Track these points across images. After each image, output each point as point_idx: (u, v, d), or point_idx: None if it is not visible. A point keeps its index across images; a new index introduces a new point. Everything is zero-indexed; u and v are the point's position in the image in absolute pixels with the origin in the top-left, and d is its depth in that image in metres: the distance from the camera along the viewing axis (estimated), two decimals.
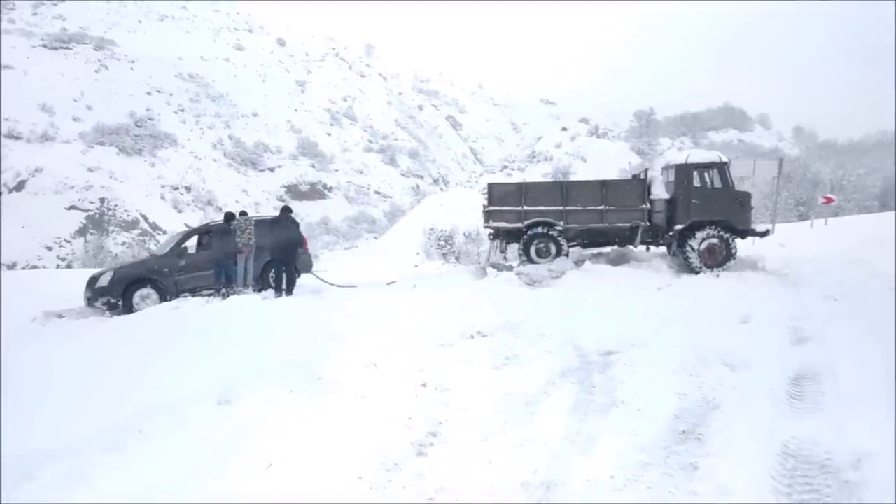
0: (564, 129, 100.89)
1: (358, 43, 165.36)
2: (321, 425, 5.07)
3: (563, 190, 13.64)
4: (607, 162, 73.67)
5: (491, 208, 13.61)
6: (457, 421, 5.26)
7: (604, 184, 13.65)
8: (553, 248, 13.21)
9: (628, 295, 10.20)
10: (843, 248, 14.30)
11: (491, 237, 14.51)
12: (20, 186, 65.66)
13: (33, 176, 66.86)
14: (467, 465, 4.43)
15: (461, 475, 4.29)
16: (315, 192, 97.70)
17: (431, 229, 29.10)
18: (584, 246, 14.16)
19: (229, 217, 12.82)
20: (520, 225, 13.35)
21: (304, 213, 76.03)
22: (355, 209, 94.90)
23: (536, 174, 74.56)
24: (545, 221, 13.25)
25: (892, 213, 24.43)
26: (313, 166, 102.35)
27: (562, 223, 13.22)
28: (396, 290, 11.98)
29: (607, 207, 13.18)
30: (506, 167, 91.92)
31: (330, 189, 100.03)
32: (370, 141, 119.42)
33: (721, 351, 6.74)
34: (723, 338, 7.33)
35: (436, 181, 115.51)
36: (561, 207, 13.26)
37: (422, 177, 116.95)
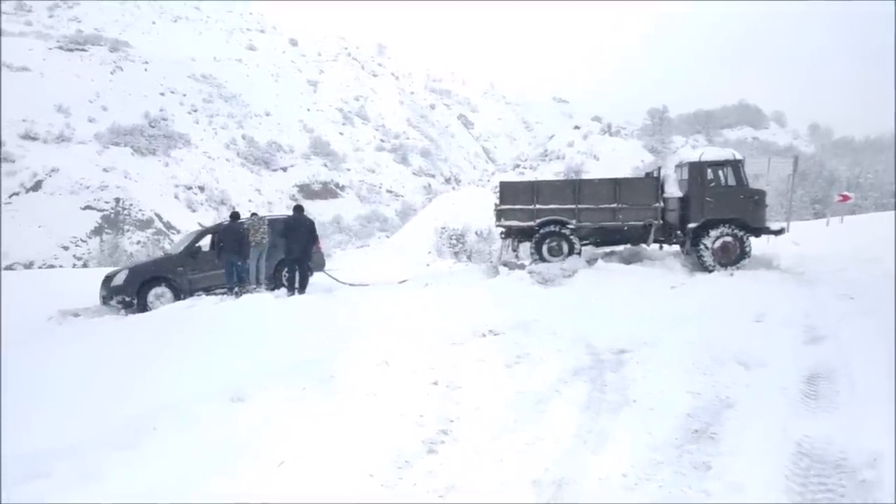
0: (577, 127, 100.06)
1: (370, 42, 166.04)
2: (333, 423, 5.09)
3: (575, 188, 13.53)
4: (620, 160, 73.09)
5: (503, 207, 13.54)
6: (468, 419, 5.26)
7: (616, 182, 13.53)
8: (565, 247, 13.14)
9: (641, 293, 10.13)
10: (859, 246, 14.13)
11: (503, 236, 14.46)
12: (37, 186, 66.47)
13: (50, 176, 67.65)
14: (478, 463, 4.43)
15: (472, 473, 4.29)
16: (327, 191, 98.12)
17: (443, 228, 29.13)
18: (597, 244, 14.06)
19: (235, 216, 12.91)
20: (532, 223, 13.28)
21: (317, 212, 76.23)
22: (367, 208, 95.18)
23: (549, 173, 74.02)
24: (557, 220, 13.19)
25: None
26: (325, 165, 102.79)
27: (574, 221, 13.13)
28: (408, 289, 11.99)
29: (620, 206, 13.07)
30: (518, 166, 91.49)
31: (342, 188, 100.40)
32: (382, 140, 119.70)
33: (735, 349, 6.68)
34: (737, 336, 7.27)
35: (448, 180, 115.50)
36: (573, 206, 13.16)
37: (433, 176, 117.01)
